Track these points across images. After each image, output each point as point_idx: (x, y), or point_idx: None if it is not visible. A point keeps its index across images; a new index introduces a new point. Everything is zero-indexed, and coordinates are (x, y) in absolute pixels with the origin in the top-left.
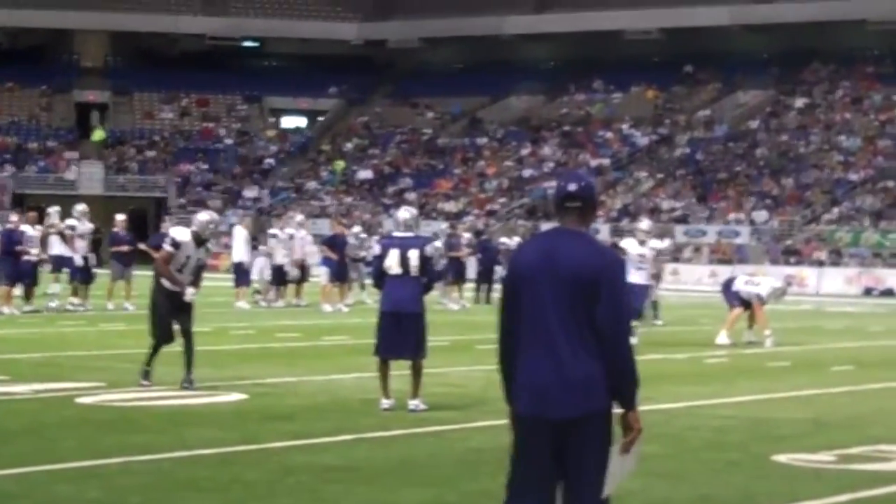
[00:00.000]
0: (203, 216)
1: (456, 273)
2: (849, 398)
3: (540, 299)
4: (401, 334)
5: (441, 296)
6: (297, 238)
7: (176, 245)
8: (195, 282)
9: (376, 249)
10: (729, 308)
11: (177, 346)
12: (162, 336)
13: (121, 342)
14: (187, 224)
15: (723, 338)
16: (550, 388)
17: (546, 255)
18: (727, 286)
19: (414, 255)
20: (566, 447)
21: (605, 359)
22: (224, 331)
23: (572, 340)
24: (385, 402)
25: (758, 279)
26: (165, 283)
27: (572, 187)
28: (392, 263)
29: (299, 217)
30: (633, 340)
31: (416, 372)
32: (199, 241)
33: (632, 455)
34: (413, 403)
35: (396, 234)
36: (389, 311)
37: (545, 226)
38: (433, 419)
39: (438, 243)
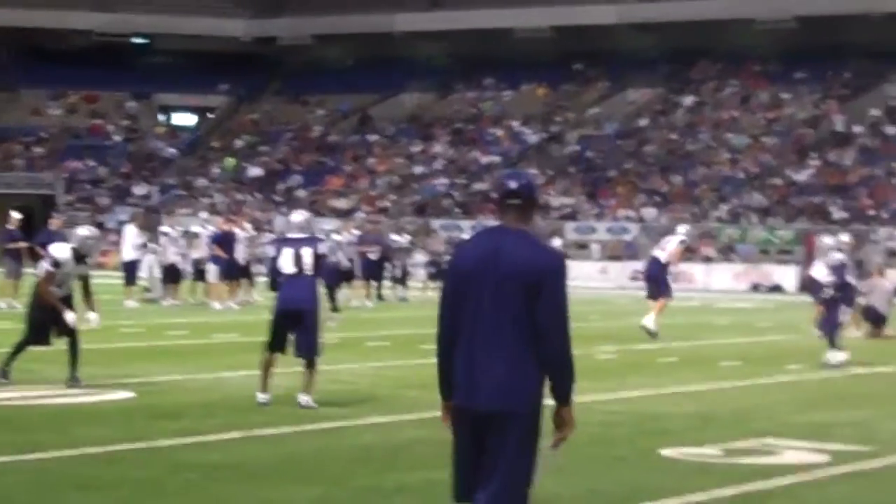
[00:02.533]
0: (82, 231)
1: (367, 270)
2: (736, 393)
3: (483, 296)
4: (296, 332)
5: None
6: (202, 235)
7: (56, 264)
8: (90, 305)
9: (270, 251)
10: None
11: (62, 344)
12: (33, 337)
13: (7, 340)
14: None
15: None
16: (486, 381)
17: (491, 253)
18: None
19: (307, 254)
20: (495, 440)
21: (544, 354)
22: (113, 329)
23: (513, 338)
24: (262, 397)
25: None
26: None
27: (513, 185)
28: (286, 263)
29: (204, 214)
30: None
31: (310, 368)
32: (79, 256)
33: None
34: (304, 399)
35: (289, 235)
36: (284, 309)
37: (437, 222)
38: (322, 416)
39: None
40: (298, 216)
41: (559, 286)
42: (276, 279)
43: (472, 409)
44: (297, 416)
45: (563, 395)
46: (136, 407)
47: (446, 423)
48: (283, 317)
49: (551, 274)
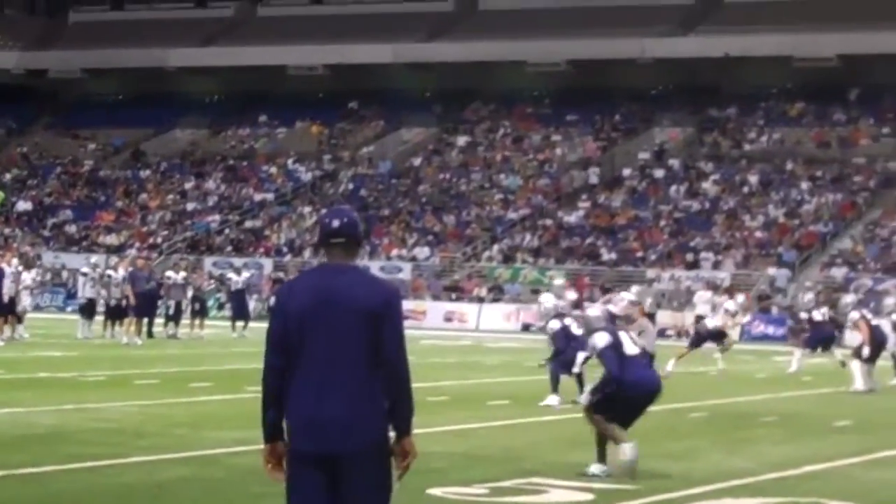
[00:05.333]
0: None
1: (138, 307)
2: (504, 432)
3: (320, 335)
4: None
5: (125, 332)
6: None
7: None
8: None
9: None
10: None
11: None
12: None
13: None
14: None
15: None
16: (328, 423)
17: (324, 291)
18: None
19: None
20: (346, 481)
21: (388, 387)
22: None
23: (354, 374)
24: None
25: None
26: None
27: (336, 223)
28: None
29: None
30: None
31: None
32: None
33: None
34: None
35: None
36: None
37: (210, 259)
38: (88, 455)
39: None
40: None
41: (399, 317)
42: None
43: (320, 452)
44: (61, 455)
45: (406, 425)
46: None
47: (269, 466)
48: None
49: (391, 306)
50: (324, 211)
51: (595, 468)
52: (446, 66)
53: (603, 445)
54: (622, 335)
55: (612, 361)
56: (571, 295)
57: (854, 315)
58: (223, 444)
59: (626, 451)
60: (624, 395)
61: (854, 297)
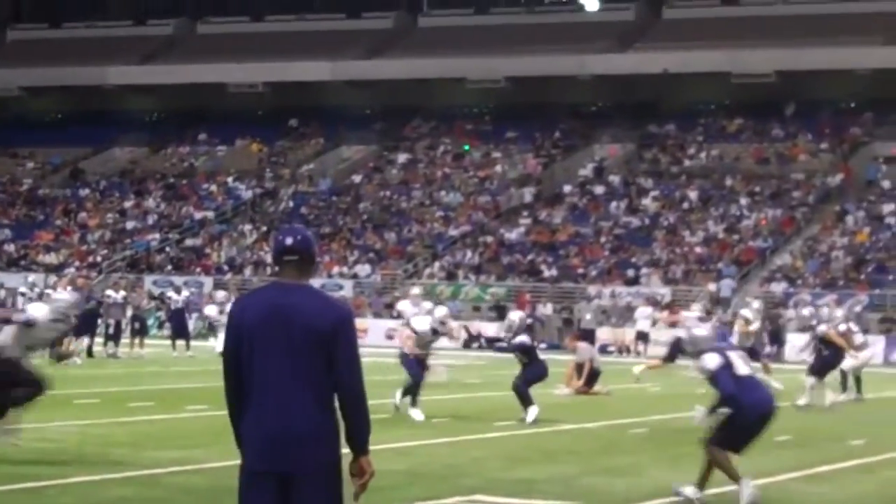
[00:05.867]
0: None
1: (78, 326)
2: (446, 449)
3: (272, 353)
4: None
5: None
6: None
7: None
8: None
9: None
10: None
11: None
12: None
13: None
14: None
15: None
16: (281, 442)
17: (277, 309)
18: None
19: None
20: (298, 500)
21: (343, 406)
22: None
23: (306, 393)
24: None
25: None
26: None
27: (289, 241)
28: None
29: None
30: None
31: None
32: None
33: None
34: None
35: None
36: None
37: (150, 278)
38: (28, 475)
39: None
40: None
41: (353, 336)
42: None
43: (272, 471)
44: (2, 476)
45: (361, 444)
46: None
47: None
48: None
49: (345, 325)
50: (264, 229)
51: (690, 490)
52: (386, 84)
53: (709, 473)
54: (731, 355)
55: (727, 383)
56: (427, 304)
57: (822, 328)
58: (163, 464)
59: (743, 491)
60: (742, 418)
61: (813, 311)
